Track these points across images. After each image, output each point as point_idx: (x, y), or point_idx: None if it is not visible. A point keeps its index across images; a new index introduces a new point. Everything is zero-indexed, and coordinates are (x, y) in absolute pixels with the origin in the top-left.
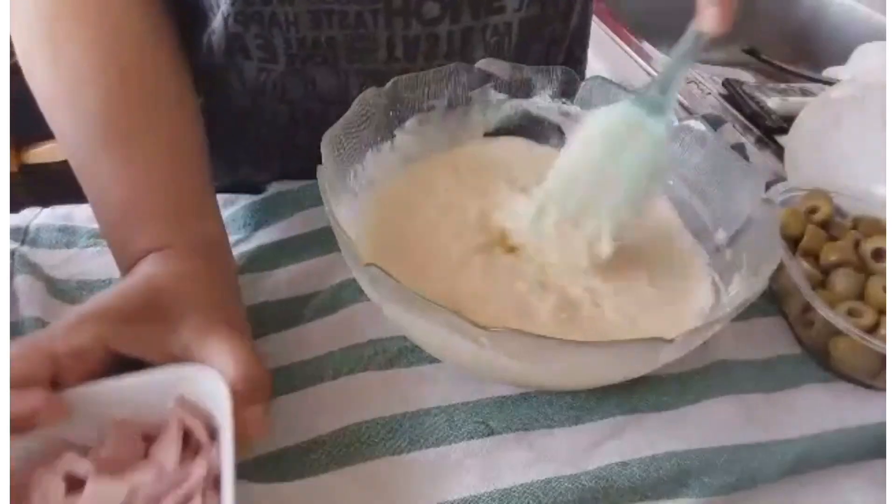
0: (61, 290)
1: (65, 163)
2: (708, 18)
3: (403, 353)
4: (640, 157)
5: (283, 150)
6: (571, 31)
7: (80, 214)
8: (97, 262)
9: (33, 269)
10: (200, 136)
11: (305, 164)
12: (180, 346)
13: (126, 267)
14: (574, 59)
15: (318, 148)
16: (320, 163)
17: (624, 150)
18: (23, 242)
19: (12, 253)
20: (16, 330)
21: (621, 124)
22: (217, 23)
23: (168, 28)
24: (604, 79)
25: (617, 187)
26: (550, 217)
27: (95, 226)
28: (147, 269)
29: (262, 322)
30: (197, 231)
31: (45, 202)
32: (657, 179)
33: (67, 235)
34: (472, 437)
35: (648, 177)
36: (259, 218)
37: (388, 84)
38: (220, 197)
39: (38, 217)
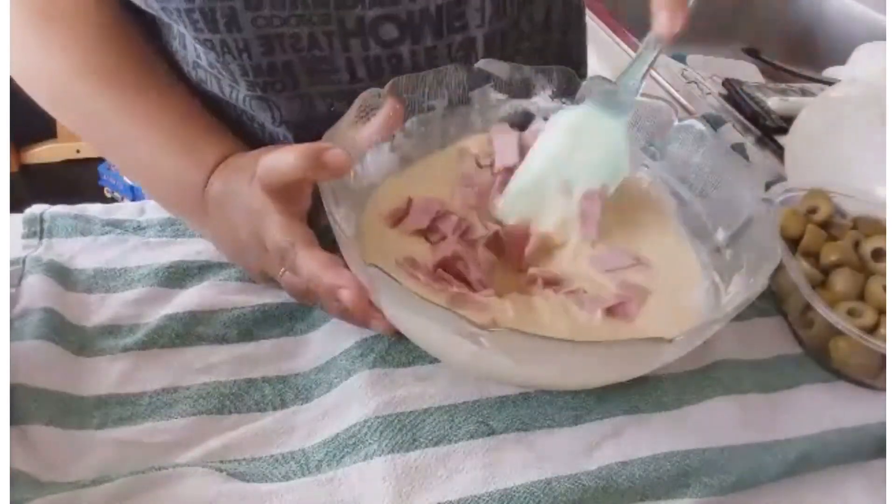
0: (76, 281)
1: (64, 163)
2: (661, 22)
3: (403, 353)
4: (599, 149)
5: None
6: (558, 44)
7: (92, 208)
8: (113, 251)
9: (46, 268)
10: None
11: None
12: None
13: (206, 174)
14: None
15: None
16: None
17: (584, 143)
18: (41, 236)
19: (24, 258)
20: (20, 323)
21: (581, 119)
22: (189, 43)
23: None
24: (603, 78)
25: (579, 176)
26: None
27: (109, 216)
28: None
29: (266, 327)
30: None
31: (44, 202)
32: (618, 170)
33: (82, 223)
34: (472, 437)
35: (609, 168)
36: None
37: (388, 85)
38: None
39: (51, 208)
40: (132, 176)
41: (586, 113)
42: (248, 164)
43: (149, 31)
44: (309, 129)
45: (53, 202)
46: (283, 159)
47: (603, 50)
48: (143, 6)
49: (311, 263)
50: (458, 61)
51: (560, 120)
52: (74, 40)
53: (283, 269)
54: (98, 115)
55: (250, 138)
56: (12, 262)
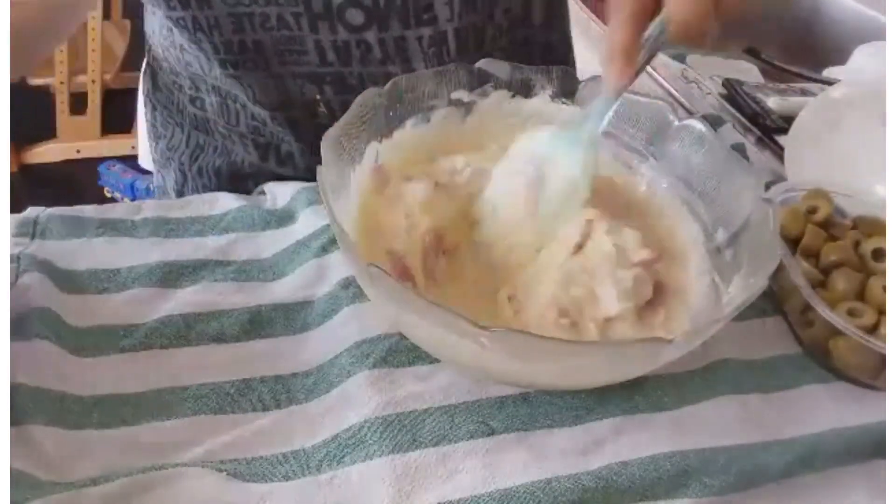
0: (71, 283)
1: (65, 163)
2: (608, 76)
3: (403, 353)
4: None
5: (250, 144)
6: (541, 39)
7: (87, 210)
8: (108, 252)
9: (41, 266)
10: None
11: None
12: None
13: None
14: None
15: (285, 149)
16: (320, 163)
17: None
18: (32, 237)
19: (19, 255)
20: (21, 323)
21: (544, 147)
22: (159, 25)
23: None
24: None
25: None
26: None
27: (103, 217)
28: None
29: (265, 326)
30: None
31: (45, 202)
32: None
33: (77, 226)
34: (472, 437)
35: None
36: (266, 219)
37: (388, 84)
38: (221, 195)
39: (46, 211)
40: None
41: (550, 139)
42: None
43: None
44: (283, 109)
45: (53, 202)
46: None
47: (597, 45)
48: None
49: None
50: (430, 56)
51: (525, 146)
52: None
53: None
54: None
55: (234, 121)
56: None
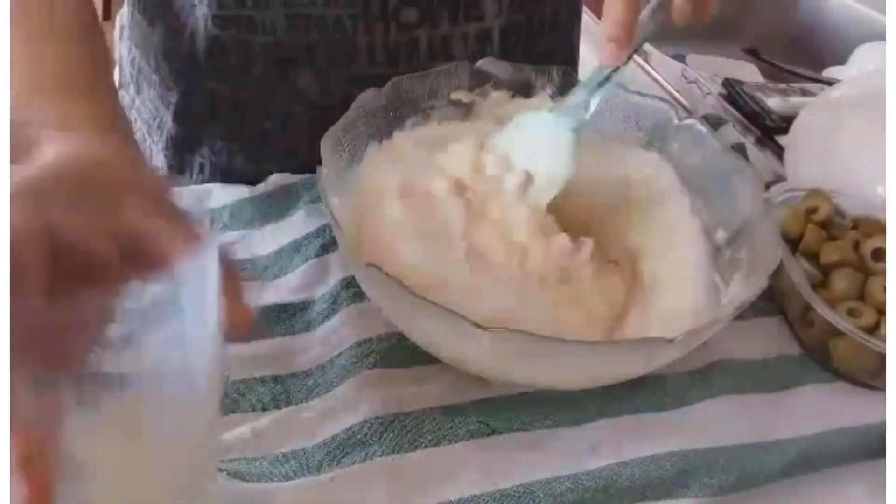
0: None
1: None
2: (606, 54)
3: (403, 353)
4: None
5: (273, 150)
6: (562, 46)
7: None
8: None
9: None
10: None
11: (299, 162)
12: (125, 228)
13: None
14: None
15: (306, 150)
16: (320, 163)
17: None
18: None
19: None
20: None
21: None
22: (199, 24)
23: None
24: None
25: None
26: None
27: None
28: (63, 146)
29: (265, 326)
30: (101, 107)
31: None
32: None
33: None
34: (473, 437)
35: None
36: (265, 213)
37: (388, 84)
38: (221, 186)
39: None
40: None
41: (540, 116)
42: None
43: None
44: (326, 108)
45: None
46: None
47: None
48: None
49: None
50: (474, 54)
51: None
52: None
53: None
54: None
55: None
56: None
